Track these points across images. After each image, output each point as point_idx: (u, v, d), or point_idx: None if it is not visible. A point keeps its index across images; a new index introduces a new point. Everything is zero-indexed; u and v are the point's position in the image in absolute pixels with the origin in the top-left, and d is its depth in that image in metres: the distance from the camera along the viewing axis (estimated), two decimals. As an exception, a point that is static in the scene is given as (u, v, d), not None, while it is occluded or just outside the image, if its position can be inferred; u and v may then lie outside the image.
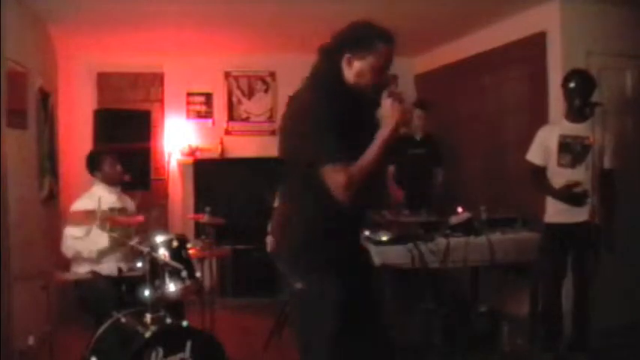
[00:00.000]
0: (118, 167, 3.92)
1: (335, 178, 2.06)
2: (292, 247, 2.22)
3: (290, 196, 2.29)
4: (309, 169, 2.11)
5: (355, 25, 2.19)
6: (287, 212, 2.28)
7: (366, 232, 4.04)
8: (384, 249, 3.79)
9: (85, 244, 3.64)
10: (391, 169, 5.00)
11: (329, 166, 2.07)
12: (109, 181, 3.88)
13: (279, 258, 2.29)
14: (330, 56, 2.20)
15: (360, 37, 2.16)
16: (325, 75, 2.20)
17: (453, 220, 4.10)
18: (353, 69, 2.16)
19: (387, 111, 2.12)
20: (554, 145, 3.74)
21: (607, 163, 3.71)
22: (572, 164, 3.69)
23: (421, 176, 5.08)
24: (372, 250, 3.78)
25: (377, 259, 3.74)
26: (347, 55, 2.15)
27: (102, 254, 3.62)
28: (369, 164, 2.10)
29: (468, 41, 5.70)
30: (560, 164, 3.72)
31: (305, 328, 2.23)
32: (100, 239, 3.61)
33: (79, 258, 3.67)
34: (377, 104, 2.16)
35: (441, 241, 3.87)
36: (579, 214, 3.60)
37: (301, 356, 2.23)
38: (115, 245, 3.60)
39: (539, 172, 3.84)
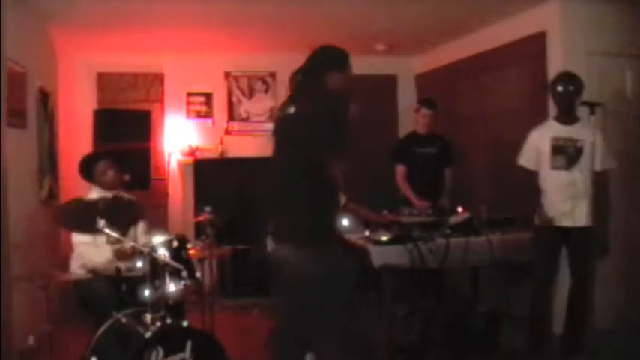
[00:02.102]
0: (110, 173, 3.84)
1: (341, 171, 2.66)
2: (310, 229, 2.68)
3: (296, 189, 2.74)
4: (316, 165, 2.61)
5: (329, 49, 2.89)
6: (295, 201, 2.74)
7: (366, 232, 4.04)
8: (384, 249, 3.78)
9: (90, 254, 3.65)
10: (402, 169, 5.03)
11: (339, 161, 2.64)
12: (104, 187, 3.85)
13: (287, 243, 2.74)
14: (316, 74, 2.81)
15: (338, 57, 2.87)
16: (318, 89, 2.78)
17: (453, 220, 4.10)
18: (338, 81, 2.80)
19: (352, 113, 2.76)
20: (546, 148, 3.72)
21: (597, 165, 3.66)
22: (567, 166, 3.68)
23: (430, 175, 5.03)
24: (372, 250, 3.79)
25: (377, 259, 3.74)
26: (332, 72, 2.80)
27: (108, 263, 3.62)
28: None
29: (468, 41, 5.70)
30: (553, 167, 3.70)
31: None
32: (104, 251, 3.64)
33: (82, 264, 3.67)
34: (348, 103, 2.78)
35: (440, 241, 3.86)
36: (579, 219, 3.61)
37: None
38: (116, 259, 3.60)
39: (535, 176, 3.81)
